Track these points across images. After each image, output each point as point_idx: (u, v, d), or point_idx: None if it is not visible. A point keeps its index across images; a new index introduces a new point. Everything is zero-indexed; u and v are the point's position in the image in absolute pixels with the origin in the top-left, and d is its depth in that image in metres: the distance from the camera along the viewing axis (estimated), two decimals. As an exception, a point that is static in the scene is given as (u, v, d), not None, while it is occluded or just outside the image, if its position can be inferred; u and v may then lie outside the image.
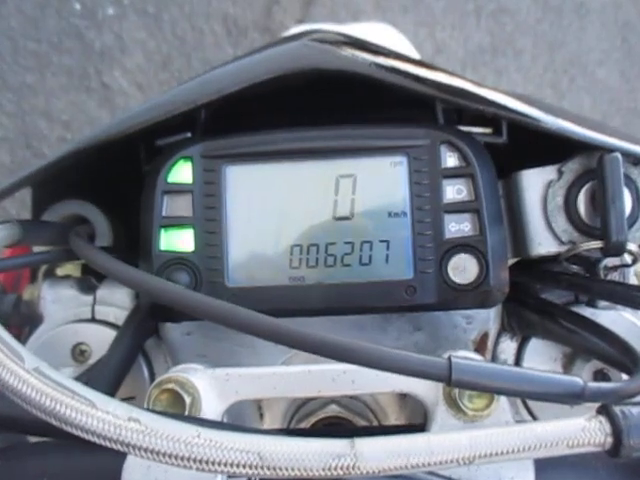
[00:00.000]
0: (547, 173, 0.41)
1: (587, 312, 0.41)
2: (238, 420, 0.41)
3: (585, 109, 1.79)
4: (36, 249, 0.47)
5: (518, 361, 0.44)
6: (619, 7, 1.83)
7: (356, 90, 0.40)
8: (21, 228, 0.39)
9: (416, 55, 1.13)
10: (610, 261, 0.42)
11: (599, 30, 1.82)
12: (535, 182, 0.41)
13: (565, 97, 1.81)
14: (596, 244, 0.39)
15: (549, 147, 0.40)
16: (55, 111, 1.67)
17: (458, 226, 0.39)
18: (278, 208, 0.40)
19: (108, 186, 0.48)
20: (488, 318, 0.42)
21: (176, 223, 0.40)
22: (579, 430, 0.24)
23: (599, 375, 0.42)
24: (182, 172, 0.40)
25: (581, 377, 0.28)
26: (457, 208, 0.39)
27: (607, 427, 0.24)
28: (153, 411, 0.30)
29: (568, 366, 0.43)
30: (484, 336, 0.43)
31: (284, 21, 1.74)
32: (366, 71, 0.38)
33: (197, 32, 1.72)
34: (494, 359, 0.44)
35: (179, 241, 0.40)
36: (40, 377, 0.23)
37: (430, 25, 1.78)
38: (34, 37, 1.69)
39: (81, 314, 0.46)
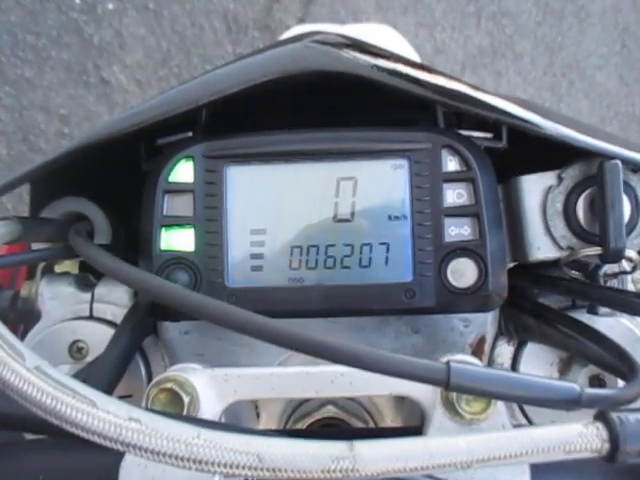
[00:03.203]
0: (547, 179, 0.41)
1: (584, 317, 0.42)
2: (235, 420, 0.41)
3: (583, 113, 1.80)
4: (34, 246, 0.47)
5: (515, 365, 0.44)
6: (619, 11, 1.84)
7: (357, 92, 0.40)
8: (20, 225, 0.39)
9: (416, 57, 1.13)
10: (610, 268, 0.42)
11: (599, 34, 1.83)
12: (535, 187, 0.41)
13: (563, 100, 1.81)
14: (595, 250, 0.39)
15: (549, 152, 0.41)
16: (53, 106, 1.67)
17: (458, 230, 0.39)
18: (278, 209, 0.40)
19: (107, 184, 0.48)
20: (485, 322, 0.42)
21: (177, 222, 0.40)
22: (576, 436, 0.24)
23: (595, 380, 0.42)
24: (183, 172, 0.40)
25: (577, 382, 0.28)
26: (457, 212, 0.39)
27: (604, 433, 0.25)
28: (153, 411, 0.30)
29: (564, 371, 0.43)
30: (481, 340, 0.43)
31: (284, 19, 1.74)
32: (367, 74, 0.38)
33: (197, 29, 1.72)
34: (491, 363, 0.45)
35: (179, 241, 0.40)
36: (41, 375, 0.23)
37: (430, 26, 1.78)
38: (33, 31, 1.68)
39: (79, 311, 0.46)
